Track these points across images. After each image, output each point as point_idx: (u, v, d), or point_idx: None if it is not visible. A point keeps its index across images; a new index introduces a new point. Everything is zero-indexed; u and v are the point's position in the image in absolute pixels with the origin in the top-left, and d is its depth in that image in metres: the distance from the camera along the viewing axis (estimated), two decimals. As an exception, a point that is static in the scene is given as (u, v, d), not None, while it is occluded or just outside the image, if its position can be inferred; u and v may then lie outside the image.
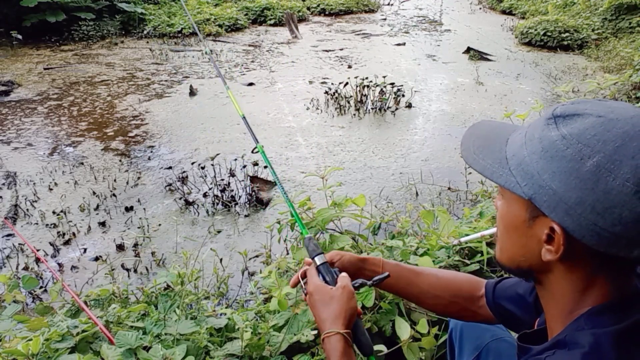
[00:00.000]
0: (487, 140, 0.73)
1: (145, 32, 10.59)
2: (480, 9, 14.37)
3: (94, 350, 1.51)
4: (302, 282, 1.09)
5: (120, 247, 3.50)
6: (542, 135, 0.63)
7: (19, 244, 3.52)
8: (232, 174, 4.30)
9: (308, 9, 13.13)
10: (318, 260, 1.07)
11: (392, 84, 6.23)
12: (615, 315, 0.63)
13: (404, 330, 1.56)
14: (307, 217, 1.99)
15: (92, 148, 5.19)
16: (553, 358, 0.63)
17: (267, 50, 9.45)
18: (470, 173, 4.15)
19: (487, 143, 0.72)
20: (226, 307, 2.42)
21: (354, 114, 6.09)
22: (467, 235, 1.91)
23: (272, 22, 11.88)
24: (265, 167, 4.57)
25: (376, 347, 1.55)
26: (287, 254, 3.01)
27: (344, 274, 1.04)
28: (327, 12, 13.27)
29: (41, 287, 3.09)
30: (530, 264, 0.69)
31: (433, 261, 1.77)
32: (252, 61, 8.66)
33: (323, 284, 1.01)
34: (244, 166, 4.39)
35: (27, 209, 3.99)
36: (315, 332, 1.55)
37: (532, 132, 0.65)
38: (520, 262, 0.71)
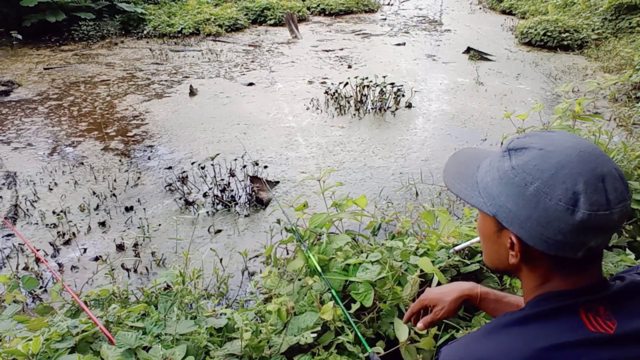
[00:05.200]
0: (463, 166, 0.89)
1: (145, 32, 10.59)
2: (480, 9, 14.37)
3: (94, 350, 1.51)
4: None
5: (120, 247, 3.50)
6: (499, 165, 0.78)
7: (19, 244, 3.52)
8: (232, 174, 4.31)
9: (308, 9, 13.14)
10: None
11: (392, 84, 6.23)
12: (550, 300, 0.77)
13: (402, 332, 1.56)
14: (303, 222, 1.99)
15: (92, 148, 5.19)
16: (487, 323, 0.82)
17: (267, 50, 9.46)
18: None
19: (463, 169, 0.88)
20: (226, 307, 2.42)
21: (354, 114, 6.09)
22: (460, 242, 1.91)
23: (272, 22, 11.88)
24: (266, 167, 4.58)
25: (374, 349, 1.55)
26: (288, 254, 3.01)
27: None
28: (327, 12, 13.27)
29: (41, 287, 3.10)
30: (505, 266, 0.84)
31: (432, 262, 1.77)
32: (252, 61, 8.66)
33: None
34: (244, 166, 4.40)
35: (27, 209, 3.99)
36: (315, 335, 1.55)
37: (494, 161, 0.80)
38: (497, 264, 0.87)
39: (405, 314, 1.29)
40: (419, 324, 1.23)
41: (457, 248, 1.84)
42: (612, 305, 0.74)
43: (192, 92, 6.85)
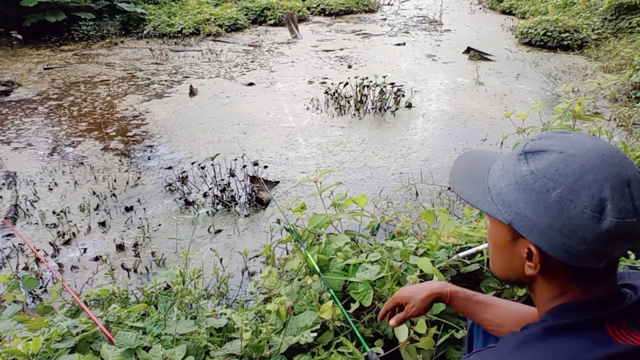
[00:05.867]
0: (471, 171, 0.83)
1: (145, 32, 10.59)
2: (480, 9, 14.37)
3: (94, 350, 1.51)
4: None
5: (120, 247, 3.50)
6: (515, 169, 0.73)
7: (19, 244, 3.52)
8: (232, 174, 4.31)
9: (308, 9, 13.14)
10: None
11: (392, 84, 6.23)
12: (572, 312, 0.73)
13: (401, 332, 1.56)
14: (302, 223, 2.00)
15: (92, 148, 5.19)
16: (505, 337, 0.76)
17: (267, 50, 9.46)
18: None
19: (472, 174, 0.83)
20: (226, 307, 2.42)
21: (354, 114, 6.09)
22: (465, 245, 1.91)
23: (272, 22, 11.88)
24: (266, 167, 4.58)
25: (373, 349, 1.55)
26: (288, 254, 3.01)
27: None
28: (327, 12, 13.27)
29: (41, 287, 3.10)
30: (517, 276, 0.80)
31: (432, 262, 1.77)
32: (252, 61, 8.66)
33: None
34: (244, 166, 4.39)
35: (27, 209, 3.99)
36: (315, 334, 1.55)
37: (508, 165, 0.75)
38: (509, 274, 0.82)
39: (380, 311, 1.31)
40: (392, 321, 1.26)
41: (461, 255, 1.83)
42: (632, 317, 0.72)
43: (192, 92, 6.85)
